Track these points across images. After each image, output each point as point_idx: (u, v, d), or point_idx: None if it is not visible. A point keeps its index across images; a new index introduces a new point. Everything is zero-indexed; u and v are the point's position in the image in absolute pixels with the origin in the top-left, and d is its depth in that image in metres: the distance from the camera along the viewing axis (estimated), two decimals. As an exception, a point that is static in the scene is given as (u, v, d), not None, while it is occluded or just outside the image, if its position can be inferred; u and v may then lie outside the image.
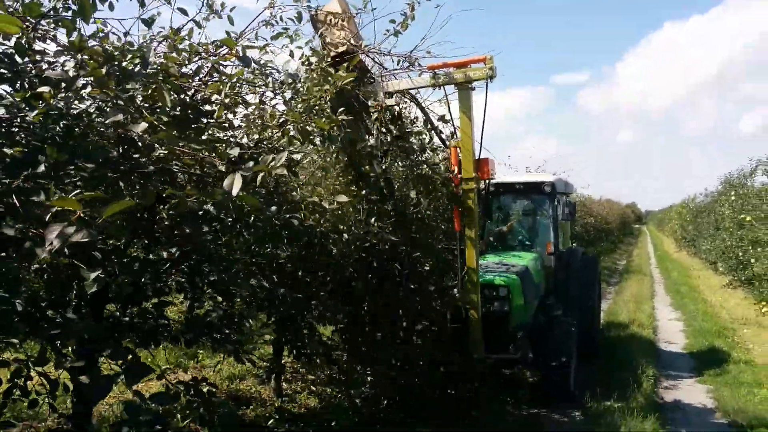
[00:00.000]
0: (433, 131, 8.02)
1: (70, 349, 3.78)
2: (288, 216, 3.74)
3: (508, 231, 10.92)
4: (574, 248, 11.78)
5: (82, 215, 2.08)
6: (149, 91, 3.12)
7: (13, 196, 2.50)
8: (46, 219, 2.21)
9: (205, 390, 4.09)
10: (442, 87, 7.35)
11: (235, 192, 2.55)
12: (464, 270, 7.59)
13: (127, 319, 4.24)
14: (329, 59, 6.17)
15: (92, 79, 2.87)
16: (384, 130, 7.14)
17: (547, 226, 10.61)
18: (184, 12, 4.56)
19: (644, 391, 8.86)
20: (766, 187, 18.03)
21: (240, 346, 5.20)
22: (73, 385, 3.84)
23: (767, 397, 9.00)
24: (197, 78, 4.48)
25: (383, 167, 6.85)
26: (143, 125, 2.85)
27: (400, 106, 7.58)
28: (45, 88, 2.78)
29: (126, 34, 4.11)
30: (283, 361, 8.29)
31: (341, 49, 6.50)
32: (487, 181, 8.41)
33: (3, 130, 2.74)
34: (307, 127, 3.96)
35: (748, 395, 9.10)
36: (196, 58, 4.51)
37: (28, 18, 3.30)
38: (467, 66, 7.12)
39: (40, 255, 2.32)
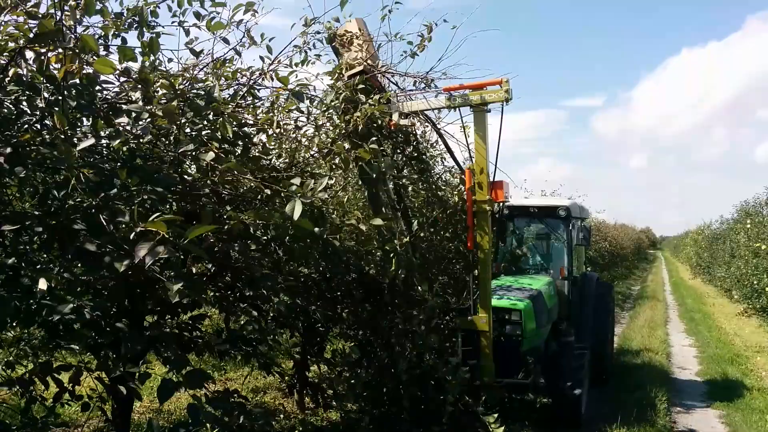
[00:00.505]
0: (448, 153, 8.12)
1: (112, 355, 4.05)
2: (331, 237, 4.02)
3: (522, 255, 10.76)
4: (589, 273, 11.65)
5: (165, 235, 2.37)
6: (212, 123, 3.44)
7: (100, 216, 2.80)
8: (131, 237, 2.50)
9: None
10: (457, 109, 7.33)
11: (296, 216, 2.84)
12: (476, 293, 7.58)
13: (167, 329, 4.49)
14: (345, 78, 6.30)
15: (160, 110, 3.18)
16: (398, 150, 7.26)
17: (562, 251, 10.57)
18: (226, 41, 4.88)
19: (657, 416, 8.99)
20: (781, 216, 18.16)
21: (269, 359, 5.44)
22: (113, 391, 4.11)
23: (777, 424, 9.15)
24: (233, 102, 4.78)
25: (396, 187, 6.92)
26: (211, 155, 3.16)
27: (415, 126, 7.63)
28: (123, 119, 3.08)
29: (170, 60, 4.42)
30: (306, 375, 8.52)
31: (357, 69, 6.53)
32: (502, 204, 8.41)
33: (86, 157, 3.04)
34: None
35: (760, 421, 9.23)
36: (234, 84, 4.81)
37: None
38: (483, 88, 7.13)
39: (120, 268, 2.60)
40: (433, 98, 7.26)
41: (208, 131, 3.52)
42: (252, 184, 3.55)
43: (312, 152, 5.14)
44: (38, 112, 2.99)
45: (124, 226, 2.70)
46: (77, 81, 3.09)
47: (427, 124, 7.86)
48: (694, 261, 41.57)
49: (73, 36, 2.98)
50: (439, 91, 7.23)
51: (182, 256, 3.40)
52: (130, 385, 3.81)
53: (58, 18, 2.87)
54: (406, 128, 7.36)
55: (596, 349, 9.89)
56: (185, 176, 3.81)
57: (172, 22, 4.61)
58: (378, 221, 4.09)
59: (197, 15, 4.53)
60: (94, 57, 2.93)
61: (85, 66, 2.96)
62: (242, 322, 5.20)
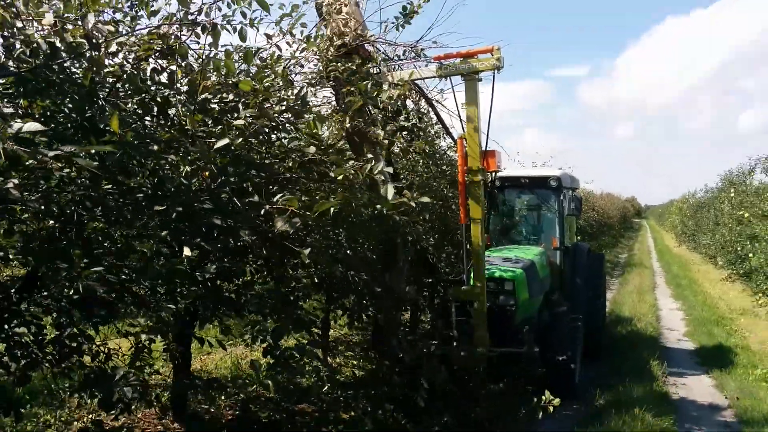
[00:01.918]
0: (439, 123, 8.10)
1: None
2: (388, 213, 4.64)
3: (514, 225, 10.92)
4: (580, 244, 11.56)
5: (294, 210, 3.01)
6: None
7: (234, 198, 3.46)
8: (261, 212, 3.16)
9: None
10: (448, 78, 7.21)
11: (390, 197, 3.50)
12: (470, 263, 7.50)
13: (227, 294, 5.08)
14: (334, 48, 6.17)
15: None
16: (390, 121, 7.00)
17: (553, 221, 10.60)
18: (269, 37, 5.44)
19: (652, 377, 9.67)
20: (764, 185, 18.93)
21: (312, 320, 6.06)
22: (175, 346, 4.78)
23: (760, 376, 9.86)
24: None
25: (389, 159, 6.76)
26: (312, 149, 3.81)
27: (406, 97, 7.31)
28: (240, 122, 3.70)
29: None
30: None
31: (346, 37, 6.35)
32: (494, 174, 8.35)
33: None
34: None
35: (743, 375, 9.97)
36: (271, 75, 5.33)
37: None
38: (474, 57, 6.99)
39: (243, 236, 3.24)
40: (424, 67, 7.17)
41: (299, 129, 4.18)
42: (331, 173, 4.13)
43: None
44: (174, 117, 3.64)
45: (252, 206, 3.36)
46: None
47: (418, 94, 7.63)
48: (679, 229, 42.46)
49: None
50: (429, 60, 7.13)
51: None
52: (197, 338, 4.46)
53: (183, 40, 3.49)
54: (397, 99, 7.01)
55: (589, 320, 9.98)
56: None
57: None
58: (426, 199, 4.68)
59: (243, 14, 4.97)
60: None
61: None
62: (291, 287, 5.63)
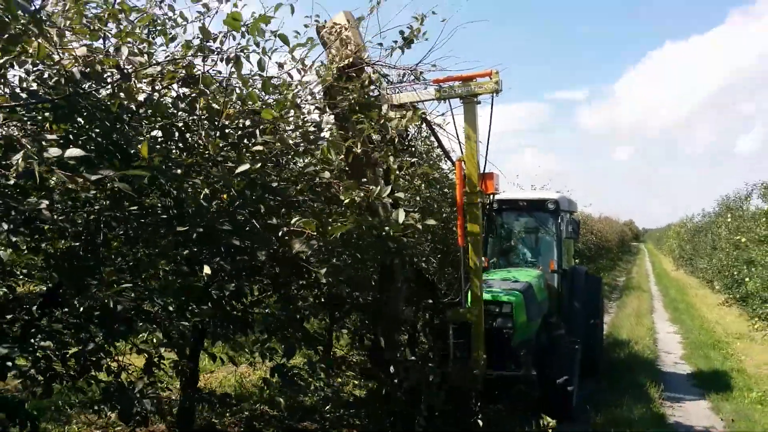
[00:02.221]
0: (438, 145, 8.10)
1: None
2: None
3: (512, 248, 10.90)
4: (578, 267, 11.61)
5: (311, 233, 3.19)
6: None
7: (253, 220, 3.64)
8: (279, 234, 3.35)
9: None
10: (447, 101, 7.22)
11: (401, 220, 3.69)
12: (468, 285, 7.48)
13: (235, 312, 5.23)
14: (335, 70, 6.19)
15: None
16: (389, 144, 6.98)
17: (551, 244, 10.56)
18: (281, 66, 5.60)
19: (648, 399, 9.73)
20: (761, 210, 19.14)
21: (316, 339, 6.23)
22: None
23: (755, 399, 9.98)
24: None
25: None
26: (327, 174, 4.01)
27: (405, 119, 7.05)
28: (258, 147, 3.90)
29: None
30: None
31: (347, 61, 6.38)
32: (492, 197, 8.27)
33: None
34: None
35: (739, 398, 10.09)
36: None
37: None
38: (473, 80, 7.03)
39: (260, 257, 3.42)
40: (423, 90, 7.16)
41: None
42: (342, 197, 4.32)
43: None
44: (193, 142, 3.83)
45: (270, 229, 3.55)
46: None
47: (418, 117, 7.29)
48: (676, 253, 42.66)
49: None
50: (429, 83, 7.14)
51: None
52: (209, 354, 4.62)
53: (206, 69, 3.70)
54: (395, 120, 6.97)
55: (586, 343, 9.99)
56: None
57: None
58: (432, 221, 4.85)
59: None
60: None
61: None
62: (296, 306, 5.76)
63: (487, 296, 7.87)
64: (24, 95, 3.36)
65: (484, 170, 7.45)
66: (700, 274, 30.14)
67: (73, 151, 2.64)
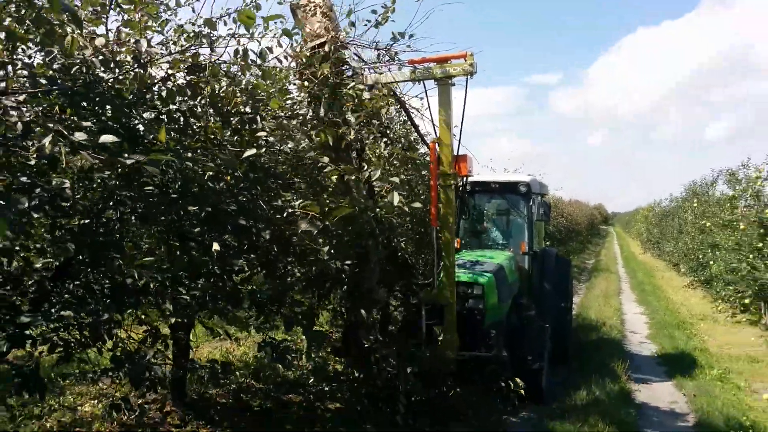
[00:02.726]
0: (412, 126, 8.15)
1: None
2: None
3: (483, 230, 10.96)
4: (548, 249, 11.76)
5: (315, 215, 3.48)
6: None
7: (260, 202, 3.91)
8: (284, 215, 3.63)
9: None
10: (422, 82, 7.26)
11: (396, 203, 3.98)
12: (439, 267, 7.54)
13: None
14: (308, 48, 6.14)
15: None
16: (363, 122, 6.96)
17: (522, 226, 10.64)
18: (269, 50, 5.81)
19: (616, 376, 10.19)
20: (725, 196, 19.70)
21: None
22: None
23: (716, 376, 10.53)
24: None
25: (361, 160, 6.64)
26: (326, 159, 4.29)
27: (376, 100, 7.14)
28: (262, 133, 4.17)
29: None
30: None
31: (321, 40, 6.33)
32: (465, 178, 8.36)
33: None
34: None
35: (701, 375, 10.63)
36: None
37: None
38: (447, 61, 7.06)
39: (266, 236, 3.70)
40: (397, 71, 7.22)
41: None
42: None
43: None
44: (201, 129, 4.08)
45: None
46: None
47: (391, 97, 7.59)
48: (644, 237, 43.53)
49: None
50: (403, 63, 7.18)
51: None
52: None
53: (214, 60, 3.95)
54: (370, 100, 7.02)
55: (556, 324, 10.06)
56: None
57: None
58: (417, 204, 5.14)
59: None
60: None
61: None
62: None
63: (458, 277, 7.92)
64: (43, 81, 3.57)
65: (457, 152, 7.53)
66: (666, 258, 30.92)
67: (107, 137, 2.89)
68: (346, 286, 7.07)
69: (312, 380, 8.26)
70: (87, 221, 4.07)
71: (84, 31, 3.76)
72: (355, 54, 7.04)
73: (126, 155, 2.92)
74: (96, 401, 6.89)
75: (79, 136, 3.14)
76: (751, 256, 14.87)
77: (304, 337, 4.88)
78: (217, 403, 7.37)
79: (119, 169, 3.53)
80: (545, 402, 8.57)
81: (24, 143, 3.40)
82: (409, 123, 8.14)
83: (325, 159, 4.52)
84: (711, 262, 18.73)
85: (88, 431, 6.14)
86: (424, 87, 7.46)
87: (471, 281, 8.34)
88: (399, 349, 7.31)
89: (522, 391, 7.94)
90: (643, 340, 13.91)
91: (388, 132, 7.83)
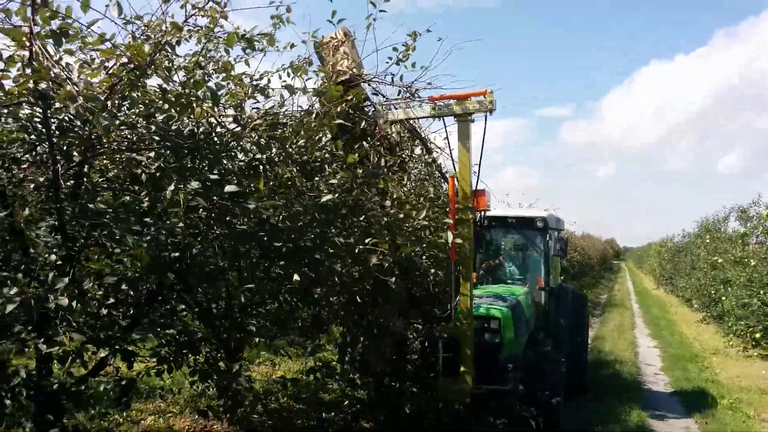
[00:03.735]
0: (431, 161, 8.37)
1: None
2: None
3: (499, 264, 10.90)
4: (565, 285, 11.79)
5: (383, 251, 4.17)
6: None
7: (336, 238, 4.63)
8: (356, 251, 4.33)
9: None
10: (441, 118, 7.37)
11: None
12: (457, 300, 7.61)
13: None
14: (333, 86, 6.12)
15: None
16: (383, 157, 7.11)
17: (539, 261, 10.59)
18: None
19: (630, 403, 10.78)
20: (737, 233, 20.22)
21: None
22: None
23: (727, 405, 11.05)
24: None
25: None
26: (389, 203, 5.02)
27: (400, 135, 7.73)
28: (334, 181, 4.90)
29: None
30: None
31: (344, 77, 6.47)
32: (483, 213, 8.34)
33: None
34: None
35: (713, 404, 11.19)
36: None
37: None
38: (467, 99, 7.16)
39: (340, 270, 4.41)
40: (418, 108, 7.35)
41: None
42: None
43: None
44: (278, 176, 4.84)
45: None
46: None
47: (411, 133, 7.91)
48: (657, 272, 43.85)
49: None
50: (424, 100, 7.30)
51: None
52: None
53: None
54: (392, 136, 7.42)
55: (572, 359, 10.10)
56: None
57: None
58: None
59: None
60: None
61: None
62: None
63: (475, 311, 7.95)
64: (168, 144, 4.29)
65: (476, 187, 7.57)
66: (679, 293, 31.28)
67: (230, 187, 3.61)
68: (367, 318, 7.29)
69: (346, 402, 8.84)
70: (177, 254, 4.76)
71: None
72: (376, 90, 7.28)
73: (242, 200, 3.63)
74: (156, 416, 7.53)
75: (194, 184, 3.86)
76: (761, 291, 15.42)
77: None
78: (264, 422, 8.00)
79: (217, 211, 4.26)
80: None
81: (139, 189, 4.15)
82: (428, 158, 8.38)
83: (387, 203, 5.22)
84: (723, 298, 19.14)
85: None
86: (444, 123, 7.58)
87: (488, 315, 8.37)
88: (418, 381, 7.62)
89: (537, 423, 8.02)
90: (657, 371, 14.42)
91: (406, 167, 7.95)
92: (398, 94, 7.37)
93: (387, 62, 6.85)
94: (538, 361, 8.79)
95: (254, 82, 5.17)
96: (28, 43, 3.52)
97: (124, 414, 7.40)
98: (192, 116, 4.12)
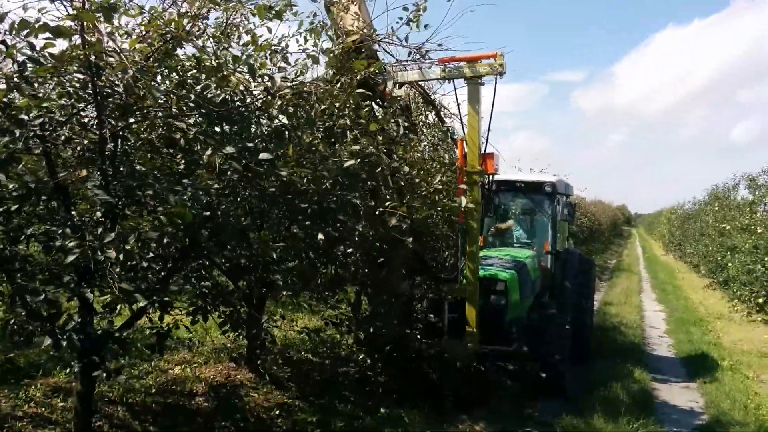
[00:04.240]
0: (440, 123, 8.49)
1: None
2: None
3: (507, 228, 10.96)
4: (572, 250, 11.85)
5: (402, 213, 4.53)
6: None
7: (357, 201, 4.99)
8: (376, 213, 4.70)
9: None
10: (451, 80, 7.37)
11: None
12: (463, 262, 7.71)
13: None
14: (342, 44, 6.27)
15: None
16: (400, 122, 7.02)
17: (546, 226, 10.71)
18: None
19: (633, 361, 11.15)
20: (746, 201, 20.46)
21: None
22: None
23: (726, 366, 11.43)
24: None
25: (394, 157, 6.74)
26: (407, 168, 5.36)
27: (410, 97, 7.80)
28: (356, 147, 5.25)
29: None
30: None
31: (354, 36, 6.43)
32: (491, 177, 8.35)
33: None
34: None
35: (713, 365, 11.60)
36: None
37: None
38: (477, 61, 7.14)
39: (359, 228, 4.77)
40: (428, 69, 7.35)
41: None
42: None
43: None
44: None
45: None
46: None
47: (422, 96, 7.99)
48: (666, 238, 44.17)
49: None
50: (434, 62, 7.29)
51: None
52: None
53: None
54: (401, 98, 7.40)
55: (577, 323, 10.17)
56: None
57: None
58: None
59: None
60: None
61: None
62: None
63: (481, 273, 8.07)
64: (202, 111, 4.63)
65: (484, 150, 7.61)
66: (687, 259, 31.63)
67: (264, 155, 3.96)
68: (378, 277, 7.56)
69: (361, 356, 9.25)
70: (209, 213, 5.11)
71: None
72: (386, 51, 7.27)
73: (275, 168, 3.99)
74: (182, 366, 7.98)
75: (229, 149, 4.21)
76: (766, 258, 15.73)
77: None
78: (282, 372, 8.45)
79: (249, 175, 4.61)
80: (567, 397, 8.78)
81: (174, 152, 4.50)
82: (441, 125, 8.51)
83: (406, 169, 5.58)
84: (729, 264, 19.48)
85: (182, 389, 7.24)
86: (454, 85, 7.59)
87: (494, 277, 8.49)
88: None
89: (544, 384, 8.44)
90: (661, 334, 14.84)
91: (417, 130, 8.00)
92: (408, 56, 7.36)
93: (398, 22, 6.73)
94: (543, 324, 8.96)
95: (275, 48, 5.46)
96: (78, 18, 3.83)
97: (152, 363, 7.85)
98: (228, 86, 4.44)
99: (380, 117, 5.79)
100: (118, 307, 4.24)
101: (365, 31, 6.58)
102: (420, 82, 7.65)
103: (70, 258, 3.65)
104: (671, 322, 16.42)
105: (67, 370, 7.03)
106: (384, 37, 7.00)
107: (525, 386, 8.94)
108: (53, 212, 4.78)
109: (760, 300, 16.24)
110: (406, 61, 7.32)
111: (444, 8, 7.34)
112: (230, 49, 4.94)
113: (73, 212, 4.45)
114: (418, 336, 8.11)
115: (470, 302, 7.62)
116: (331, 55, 6.04)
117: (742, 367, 11.65)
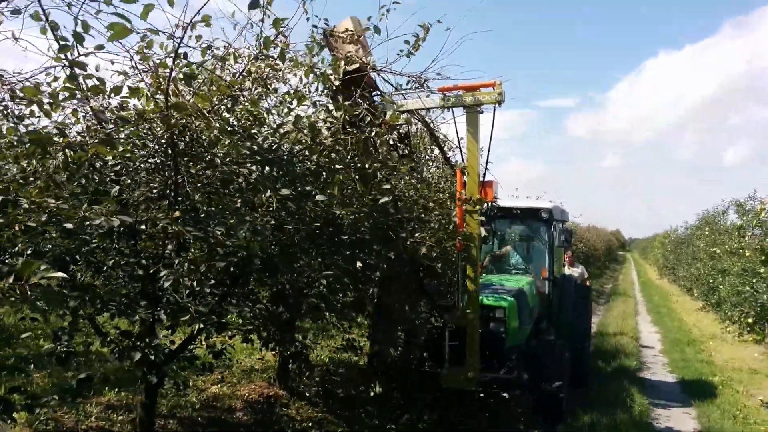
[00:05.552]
0: (439, 152, 8.63)
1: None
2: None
3: (504, 255, 11.03)
4: (569, 275, 11.98)
5: (430, 243, 5.30)
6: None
7: (390, 231, 5.77)
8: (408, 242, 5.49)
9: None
10: (450, 109, 7.40)
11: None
12: (463, 290, 7.62)
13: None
14: (341, 74, 6.28)
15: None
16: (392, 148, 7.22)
17: (543, 252, 10.79)
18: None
19: (629, 379, 11.96)
20: (734, 225, 21.28)
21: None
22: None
23: (718, 382, 12.24)
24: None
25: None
26: (432, 204, 6.18)
27: (410, 126, 7.75)
28: (387, 186, 6.05)
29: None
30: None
31: (353, 66, 6.46)
32: (490, 203, 8.32)
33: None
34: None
35: (705, 380, 12.38)
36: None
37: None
38: (477, 90, 7.20)
39: (391, 256, 5.56)
40: (427, 98, 7.36)
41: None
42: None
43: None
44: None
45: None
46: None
47: (419, 123, 8.08)
48: (660, 262, 45.04)
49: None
50: (433, 90, 7.30)
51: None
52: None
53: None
54: (400, 127, 7.43)
55: (575, 350, 10.27)
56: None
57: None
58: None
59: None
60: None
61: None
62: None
63: (481, 301, 7.98)
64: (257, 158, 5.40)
65: (483, 178, 7.60)
66: (681, 282, 32.45)
67: (320, 197, 4.76)
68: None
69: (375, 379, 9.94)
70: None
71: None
72: (386, 81, 7.24)
73: (327, 206, 4.78)
74: (219, 385, 8.70)
75: (284, 191, 5.00)
76: (754, 280, 16.53)
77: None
78: (310, 387, 9.16)
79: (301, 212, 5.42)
80: (565, 421, 9.03)
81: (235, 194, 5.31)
82: (436, 148, 8.78)
83: (431, 204, 6.38)
84: (720, 286, 20.29)
85: (222, 405, 7.97)
86: (453, 113, 7.59)
87: (493, 305, 8.53)
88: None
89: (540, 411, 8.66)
90: (656, 353, 15.62)
91: (413, 156, 8.02)
92: (407, 84, 7.32)
93: (398, 54, 6.83)
94: (542, 350, 9.15)
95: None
96: (164, 84, 4.64)
97: (190, 382, 8.57)
98: (287, 140, 5.26)
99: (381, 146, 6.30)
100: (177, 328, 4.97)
101: (364, 60, 6.63)
102: (420, 113, 7.80)
103: (167, 284, 4.41)
104: (666, 342, 17.26)
105: (116, 390, 7.79)
106: (383, 68, 7.11)
107: (524, 408, 9.22)
108: (126, 248, 5.54)
109: (750, 320, 17.01)
110: (406, 90, 7.34)
111: (442, 36, 7.63)
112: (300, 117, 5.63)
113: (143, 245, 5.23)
114: (421, 360, 8.61)
115: (471, 330, 7.54)
116: (329, 85, 6.17)
117: (733, 383, 12.41)
